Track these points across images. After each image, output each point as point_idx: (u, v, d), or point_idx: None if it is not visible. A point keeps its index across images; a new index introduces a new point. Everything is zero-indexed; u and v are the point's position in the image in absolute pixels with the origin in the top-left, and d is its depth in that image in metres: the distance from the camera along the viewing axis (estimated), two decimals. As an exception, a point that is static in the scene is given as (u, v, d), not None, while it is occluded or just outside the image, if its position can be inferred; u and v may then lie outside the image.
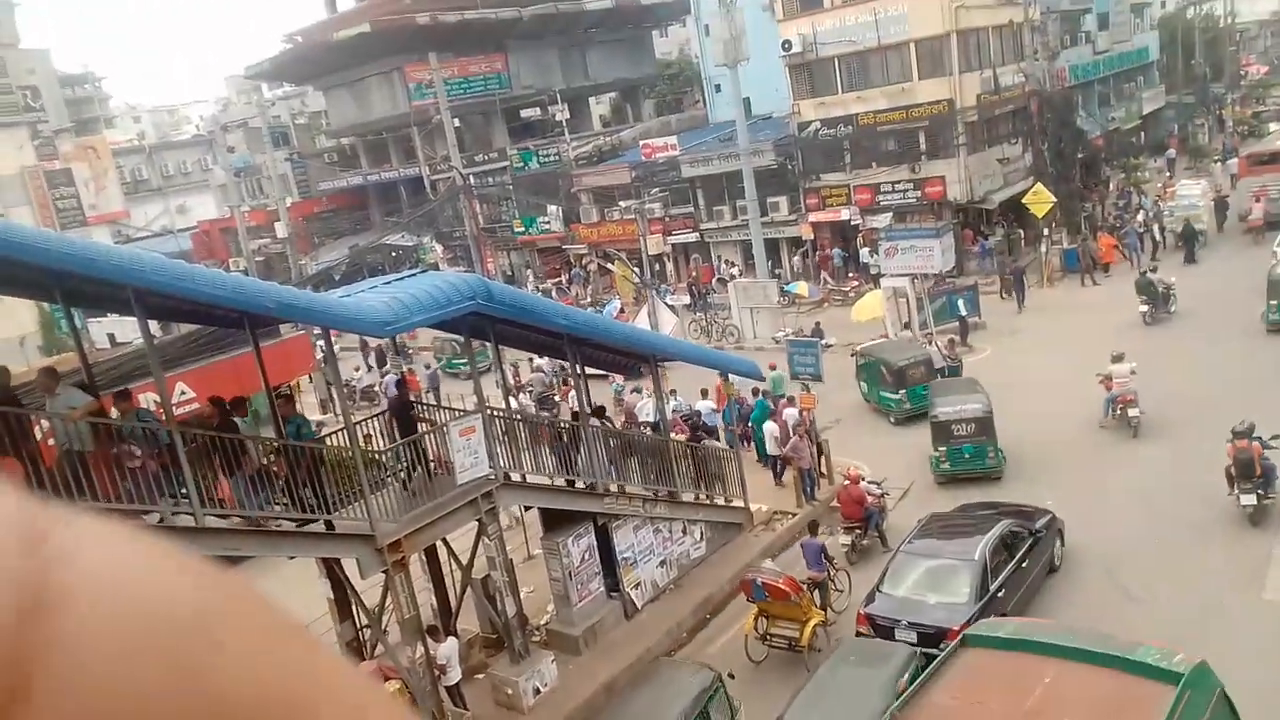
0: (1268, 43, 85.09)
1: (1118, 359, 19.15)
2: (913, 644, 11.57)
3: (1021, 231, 35.59)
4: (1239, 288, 25.59)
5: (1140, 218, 34.74)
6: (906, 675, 9.97)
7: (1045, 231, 33.38)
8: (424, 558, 13.90)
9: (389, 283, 13.16)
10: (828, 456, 19.05)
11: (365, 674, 0.39)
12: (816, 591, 13.88)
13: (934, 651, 9.57)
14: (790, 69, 37.91)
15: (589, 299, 40.23)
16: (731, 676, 11.40)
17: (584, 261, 44.20)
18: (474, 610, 14.69)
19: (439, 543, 13.63)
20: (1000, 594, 12.46)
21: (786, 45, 36.90)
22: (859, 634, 12.58)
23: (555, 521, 14.55)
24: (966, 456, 17.58)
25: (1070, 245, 33.34)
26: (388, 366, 31.23)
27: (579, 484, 14.73)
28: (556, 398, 26.03)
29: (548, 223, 45.54)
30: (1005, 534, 13.18)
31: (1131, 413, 18.58)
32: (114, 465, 9.63)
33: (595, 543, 14.53)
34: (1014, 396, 19.89)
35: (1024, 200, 32.79)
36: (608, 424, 17.10)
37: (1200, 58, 58.64)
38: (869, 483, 16.65)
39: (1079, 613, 12.85)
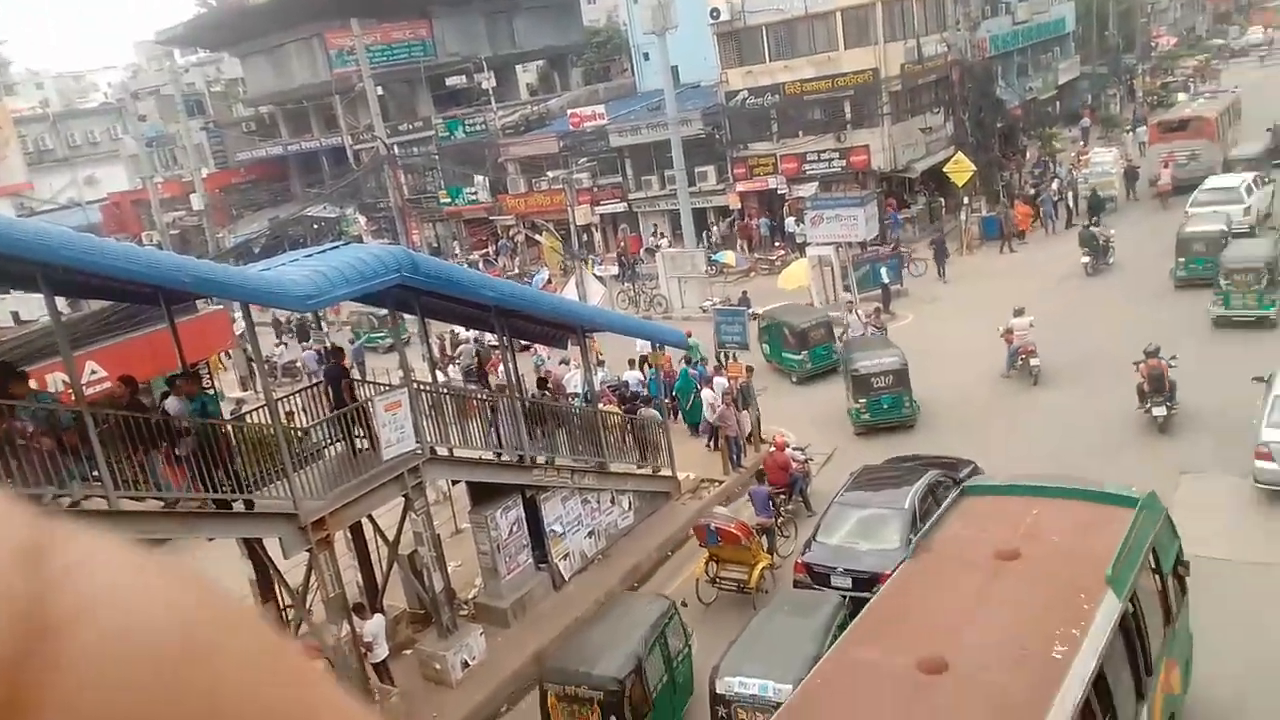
0: (1177, 15, 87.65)
1: (1018, 313, 20.57)
2: (848, 589, 12.16)
3: (943, 200, 36.30)
4: (1150, 251, 26.66)
5: (1055, 186, 35.69)
6: (836, 624, 10.42)
7: (965, 200, 34.12)
8: (349, 535, 13.74)
9: (310, 255, 12.89)
10: (758, 422, 19.32)
11: (359, 698, 0.42)
12: (764, 537, 14.54)
13: (866, 596, 10.04)
14: (718, 37, 37.87)
15: (516, 270, 39.91)
16: (684, 605, 12.56)
17: (511, 233, 43.79)
18: (401, 586, 14.59)
19: (365, 519, 13.48)
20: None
21: (715, 13, 36.80)
22: (796, 581, 13.10)
23: (483, 495, 14.51)
24: (885, 407, 18.82)
25: (989, 213, 34.12)
26: (310, 341, 30.63)
27: (507, 457, 14.68)
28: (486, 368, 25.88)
29: (474, 193, 44.96)
30: (932, 483, 13.71)
31: (1033, 362, 20.07)
32: (9, 446, 9.29)
33: (523, 515, 14.53)
34: (932, 358, 21.06)
35: (945, 169, 33.41)
36: (547, 396, 17.13)
37: (1114, 29, 60.16)
38: (794, 449, 16.99)
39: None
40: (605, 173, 41.78)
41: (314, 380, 17.70)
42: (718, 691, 9.87)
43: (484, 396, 16.28)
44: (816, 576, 12.91)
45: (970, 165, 32.84)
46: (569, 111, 43.38)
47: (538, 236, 37.10)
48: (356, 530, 13.88)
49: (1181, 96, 50.01)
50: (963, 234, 33.14)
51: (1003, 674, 7.39)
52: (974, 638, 7.86)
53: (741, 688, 9.71)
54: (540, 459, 15.02)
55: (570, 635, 12.79)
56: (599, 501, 15.99)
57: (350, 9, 41.48)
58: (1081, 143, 46.40)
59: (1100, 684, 7.34)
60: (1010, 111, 41.79)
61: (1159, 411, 16.65)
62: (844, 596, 11.63)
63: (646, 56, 46.98)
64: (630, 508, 16.68)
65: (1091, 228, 28.50)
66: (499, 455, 14.67)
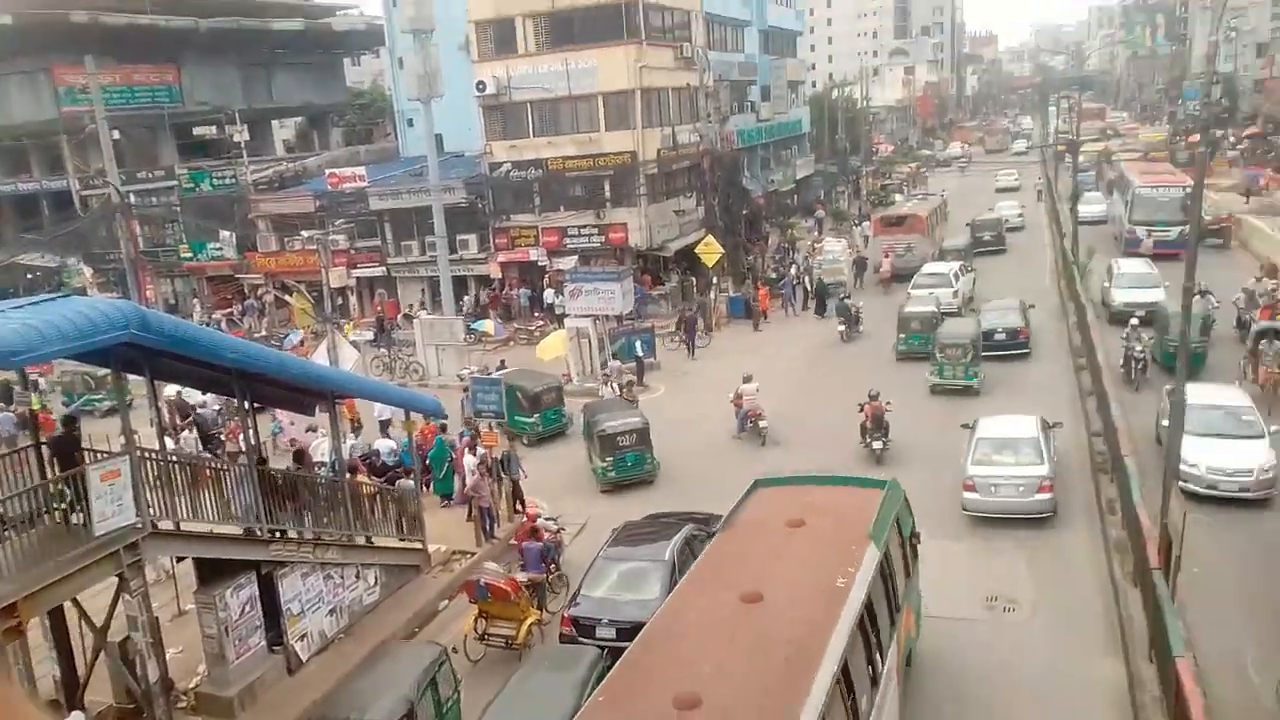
0: (894, 126, 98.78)
1: (746, 380, 23.05)
2: (612, 639, 12.53)
3: (694, 279, 38.36)
4: (885, 328, 29.72)
5: (794, 271, 38.75)
6: (594, 676, 10.83)
7: (714, 280, 36.26)
8: (47, 621, 12.29)
9: (20, 307, 11.63)
10: (516, 493, 19.29)
11: None
12: (535, 593, 14.81)
13: (625, 645, 10.28)
14: (484, 109, 38.43)
15: (264, 332, 37.91)
16: (455, 651, 12.97)
17: (260, 292, 41.63)
18: (109, 679, 13.16)
19: (68, 603, 12.12)
20: None
21: (481, 86, 37.39)
22: (562, 635, 13.53)
23: (213, 572, 13.45)
24: (629, 464, 20.13)
25: (735, 293, 36.41)
26: (14, 404, 27.37)
27: (242, 530, 13.76)
28: (224, 437, 24.27)
29: (220, 249, 42.50)
30: (689, 536, 14.40)
31: (761, 424, 22.27)
32: None
33: (258, 593, 13.62)
34: (679, 424, 23.49)
35: (696, 250, 35.44)
36: (300, 469, 16.18)
37: (843, 134, 66.81)
38: (546, 519, 17.10)
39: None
40: (364, 235, 40.87)
41: (13, 447, 15.84)
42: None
43: (218, 465, 15.24)
44: (582, 629, 13.26)
45: (719, 247, 35.08)
46: (328, 171, 42.19)
47: (288, 298, 35.50)
48: (57, 615, 12.45)
49: (898, 197, 56.38)
50: (711, 312, 35.11)
51: (802, 601, 9.79)
52: (778, 578, 10.22)
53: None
54: (279, 533, 14.20)
55: (344, 685, 12.26)
56: (343, 577, 15.28)
57: (85, 45, 38.47)
58: (816, 232, 50.77)
59: (869, 608, 9.96)
60: (755, 200, 45.16)
61: (877, 445, 20.04)
62: (603, 649, 11.91)
63: (411, 122, 46.82)
64: (376, 582, 16.05)
65: (845, 300, 32.36)
66: (234, 529, 13.73)
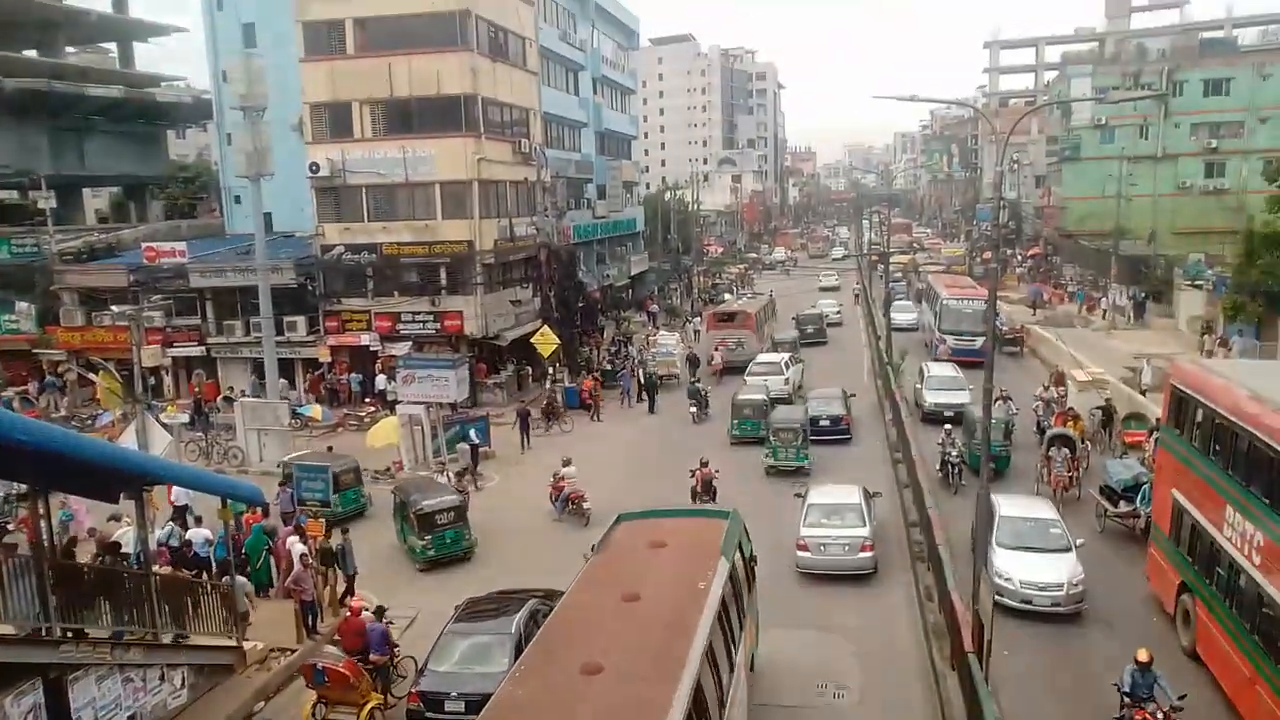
0: (723, 230, 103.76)
1: (566, 463, 24.22)
2: (461, 712, 12.99)
3: (530, 368, 38.41)
4: (724, 414, 31.07)
5: (630, 364, 39.48)
6: None
7: (550, 370, 36.42)
8: None
9: None
10: (349, 588, 18.39)
11: None
12: (379, 677, 14.52)
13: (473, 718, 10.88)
14: (317, 191, 37.66)
15: (63, 411, 35.02)
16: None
17: (61, 369, 38.51)
18: None
19: None
20: None
21: (314, 168, 36.72)
22: (410, 711, 13.58)
23: (-10, 677, 12.04)
24: (448, 541, 20.48)
25: (571, 384, 36.67)
26: None
27: (23, 631, 12.40)
28: (11, 526, 22.02)
29: (15, 322, 39.19)
30: (534, 610, 14.61)
31: (585, 505, 23.10)
32: None
33: (43, 701, 12.24)
34: (510, 509, 24.30)
35: (533, 340, 35.59)
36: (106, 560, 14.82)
37: (675, 233, 69.50)
38: (371, 613, 16.29)
39: None
40: (182, 313, 38.71)
41: None
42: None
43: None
44: (430, 704, 13.42)
45: (555, 338, 35.37)
46: (144, 244, 39.93)
47: (93, 376, 32.97)
48: None
49: (728, 296, 58.97)
50: (556, 400, 35.11)
51: (672, 598, 11.92)
52: (650, 584, 12.34)
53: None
54: (71, 632, 12.88)
55: None
56: (145, 679, 13.97)
57: None
58: (650, 326, 52.17)
59: (724, 606, 12.15)
60: (591, 294, 46.03)
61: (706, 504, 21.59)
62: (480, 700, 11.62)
63: (238, 199, 45.30)
64: (184, 684, 14.75)
65: (696, 384, 34.75)
66: (45, 630, 12.35)
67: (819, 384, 34.65)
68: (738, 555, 13.84)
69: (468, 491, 23.95)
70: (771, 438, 26.36)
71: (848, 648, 16.12)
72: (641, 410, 35.45)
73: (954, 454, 23.96)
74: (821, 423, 28.82)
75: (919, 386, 32.39)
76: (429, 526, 20.18)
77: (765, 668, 15.50)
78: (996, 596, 15.51)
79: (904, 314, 48.75)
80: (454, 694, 13.27)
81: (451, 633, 14.53)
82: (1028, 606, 16.71)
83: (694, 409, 32.97)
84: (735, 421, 29.59)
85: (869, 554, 18.92)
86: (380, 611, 15.65)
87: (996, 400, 24.90)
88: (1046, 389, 30.09)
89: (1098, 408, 27.52)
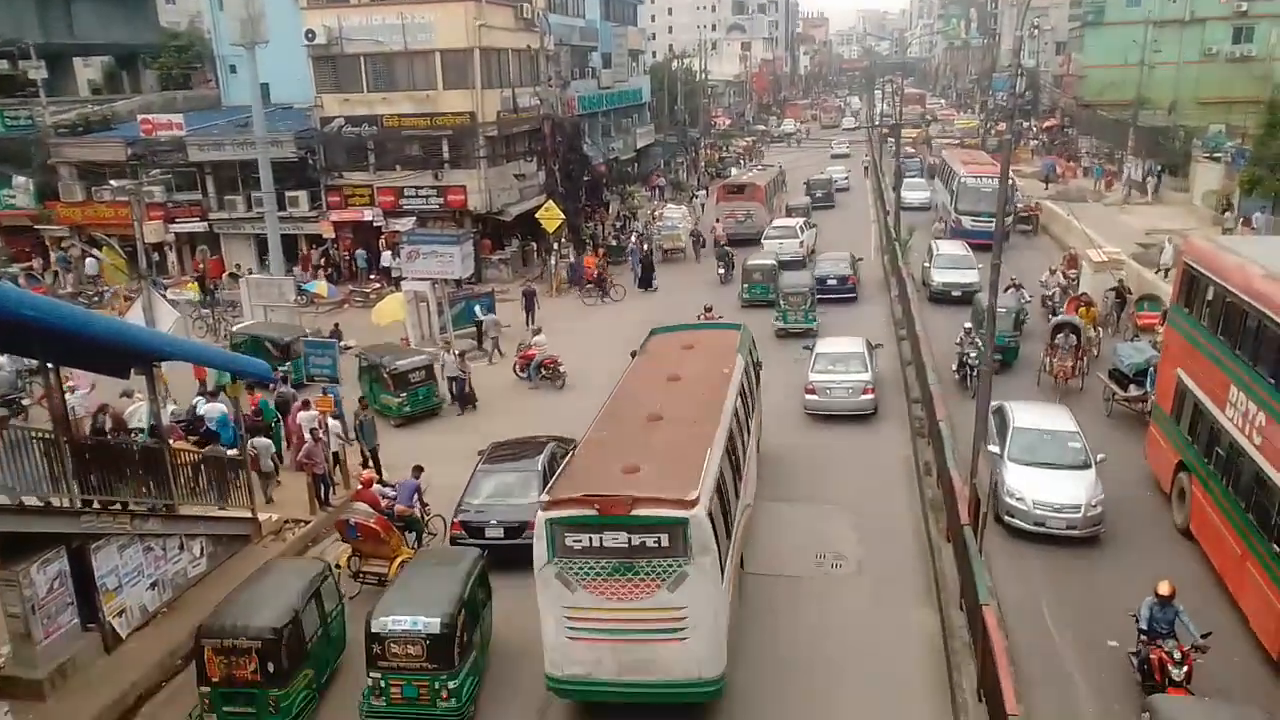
0: (731, 101, 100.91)
1: (536, 333, 25.88)
2: (500, 538, 14.92)
3: (534, 244, 38.11)
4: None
5: (634, 239, 39.13)
6: (476, 571, 12.61)
7: (555, 246, 36.14)
8: None
9: None
10: (374, 461, 18.77)
11: None
12: (408, 533, 15.56)
13: (515, 543, 14.21)
14: (314, 60, 36.59)
15: (69, 289, 35.07)
16: (339, 567, 14.12)
17: (65, 245, 38.36)
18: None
19: None
20: None
21: (310, 35, 35.58)
22: (454, 539, 15.28)
23: (14, 546, 12.42)
24: (420, 397, 22.32)
25: (577, 260, 36.41)
26: None
27: (44, 502, 12.75)
28: (26, 401, 22.42)
29: (13, 197, 38.81)
30: (553, 452, 16.37)
31: (561, 369, 24.39)
32: None
33: (68, 568, 12.70)
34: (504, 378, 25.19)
35: (537, 215, 35.18)
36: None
37: (682, 105, 67.64)
38: (381, 485, 16.72)
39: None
40: (183, 188, 38.23)
41: None
42: (373, 630, 11.25)
43: (19, 431, 14.01)
44: (472, 531, 15.18)
45: (560, 213, 34.94)
46: (140, 117, 39.06)
47: (97, 252, 32.83)
48: None
49: (734, 170, 57.87)
50: (552, 278, 35.03)
51: (705, 379, 15.30)
52: (686, 370, 15.79)
53: (395, 625, 11.24)
54: (91, 503, 13.25)
55: (227, 597, 12.45)
56: (165, 548, 14.45)
57: None
58: (656, 201, 51.44)
59: (742, 389, 15.58)
60: (596, 168, 45.13)
61: None
62: (483, 550, 13.70)
63: (234, 69, 43.98)
64: (203, 553, 15.28)
65: (724, 248, 35.90)
66: (48, 502, 12.71)
67: (827, 249, 36.02)
68: (749, 356, 17.59)
69: (468, 372, 23.66)
70: (781, 301, 27.68)
71: (845, 522, 16.51)
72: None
73: (973, 354, 21.76)
74: (829, 282, 30.67)
75: (926, 265, 31.68)
76: (403, 385, 21.92)
77: (766, 540, 15.96)
78: (1007, 517, 15.51)
79: (916, 192, 47.08)
80: (493, 521, 15.14)
81: (483, 471, 16.28)
82: (1040, 529, 15.30)
83: (721, 270, 34.71)
84: (745, 285, 31.07)
85: (870, 396, 20.96)
86: (418, 470, 16.46)
87: (1007, 288, 24.68)
88: (1053, 272, 29.22)
89: (1111, 289, 26.63)
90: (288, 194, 36.11)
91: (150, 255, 26.49)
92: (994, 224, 34.48)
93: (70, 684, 12.39)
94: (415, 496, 15.98)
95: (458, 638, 11.32)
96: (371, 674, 11.32)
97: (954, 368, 22.70)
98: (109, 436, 17.28)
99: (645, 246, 37.27)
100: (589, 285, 33.89)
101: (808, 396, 21.17)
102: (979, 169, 39.41)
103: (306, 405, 19.28)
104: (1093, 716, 11.45)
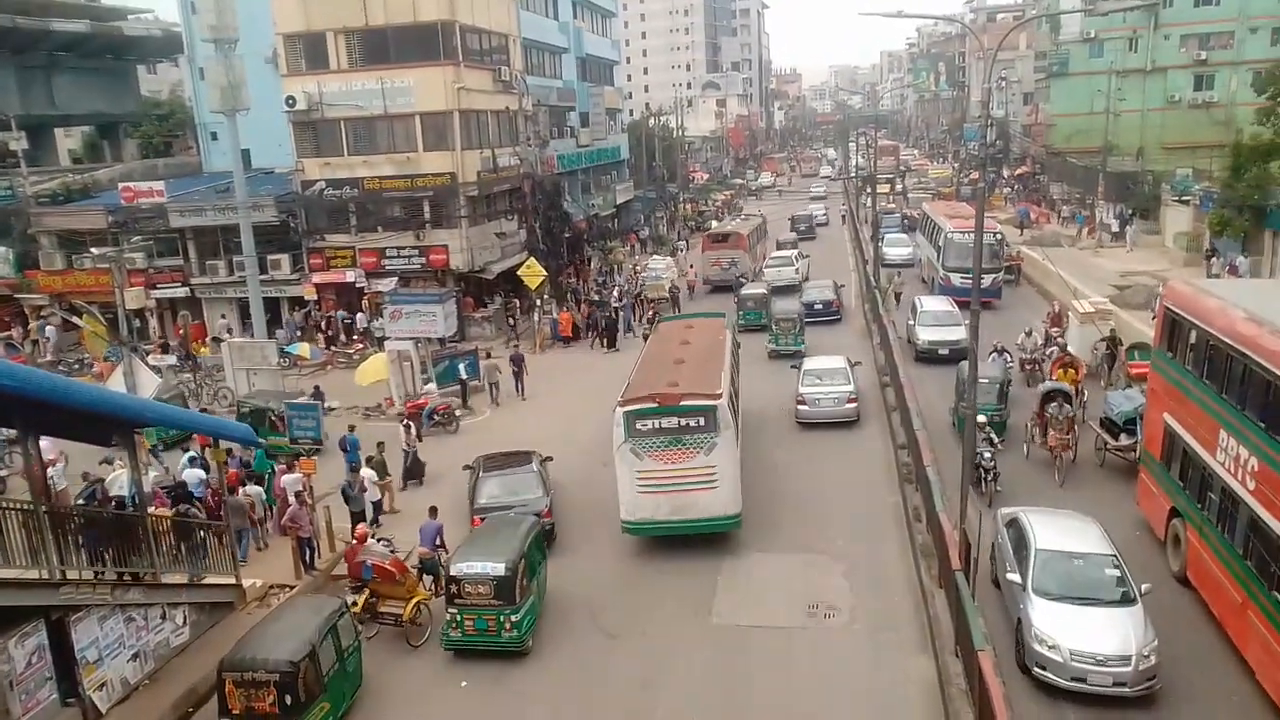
0: (708, 155, 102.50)
1: (426, 382, 27.08)
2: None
3: (518, 301, 38.23)
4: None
5: (616, 293, 39.33)
6: (534, 532, 15.37)
7: (538, 302, 36.28)
8: None
9: None
10: (328, 523, 18.54)
11: None
12: (427, 576, 15.98)
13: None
14: (294, 125, 36.95)
15: (49, 356, 34.82)
16: (354, 607, 14.58)
17: (44, 313, 38.16)
18: None
19: None
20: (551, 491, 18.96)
21: (291, 101, 35.96)
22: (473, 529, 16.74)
23: (-7, 621, 12.17)
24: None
25: (558, 316, 36.52)
26: None
27: (22, 575, 12.49)
28: (4, 473, 22.11)
29: (-7, 267, 38.68)
30: (541, 458, 19.60)
31: (456, 414, 25.92)
32: None
33: (47, 641, 12.42)
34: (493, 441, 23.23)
35: (519, 273, 35.36)
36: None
37: (660, 161, 68.65)
38: (377, 540, 16.54)
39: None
40: (164, 254, 38.25)
41: None
42: (452, 573, 14.07)
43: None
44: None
45: (542, 270, 35.14)
46: (121, 185, 39.22)
47: (77, 320, 32.66)
48: None
49: (714, 223, 58.72)
50: (536, 334, 35.10)
51: (706, 343, 20.69)
52: (691, 339, 21.24)
53: (468, 569, 13.98)
54: (71, 573, 12.99)
55: (247, 632, 13.07)
56: (146, 618, 14.17)
57: None
58: (636, 255, 51.91)
59: (733, 353, 20.96)
60: (576, 224, 45.59)
61: None
62: (538, 515, 16.93)
63: (215, 136, 44.40)
64: (185, 622, 14.98)
65: (742, 278, 40.11)
66: (13, 573, 12.43)
67: (813, 276, 40.91)
68: (734, 332, 23.56)
69: (414, 446, 22.15)
70: (773, 326, 31.32)
71: (837, 570, 16.41)
72: (627, 341, 35.48)
73: (988, 455, 18.78)
74: (815, 307, 34.62)
75: (911, 323, 30.48)
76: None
77: (757, 590, 15.83)
78: (1037, 670, 12.45)
79: (898, 249, 45.94)
80: (513, 511, 17.16)
81: (485, 478, 18.57)
82: (1080, 686, 12.17)
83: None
84: (740, 313, 33.76)
85: (853, 405, 23.75)
86: (434, 511, 17.02)
87: (990, 354, 24.21)
88: (1029, 334, 27.61)
89: (1102, 339, 25.79)
90: (270, 257, 36.19)
91: (131, 322, 26.40)
92: (986, 279, 32.21)
93: (49, 762, 12.05)
94: (437, 538, 16.38)
95: (518, 581, 13.94)
96: (450, 610, 14.08)
97: (974, 470, 17.81)
98: (98, 505, 17.04)
99: (628, 300, 37.63)
100: (600, 337, 34.83)
101: (799, 407, 23.85)
102: (965, 224, 35.50)
103: (291, 468, 19.11)
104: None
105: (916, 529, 17.30)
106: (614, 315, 35.76)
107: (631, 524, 17.15)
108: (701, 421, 16.54)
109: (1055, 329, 28.28)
